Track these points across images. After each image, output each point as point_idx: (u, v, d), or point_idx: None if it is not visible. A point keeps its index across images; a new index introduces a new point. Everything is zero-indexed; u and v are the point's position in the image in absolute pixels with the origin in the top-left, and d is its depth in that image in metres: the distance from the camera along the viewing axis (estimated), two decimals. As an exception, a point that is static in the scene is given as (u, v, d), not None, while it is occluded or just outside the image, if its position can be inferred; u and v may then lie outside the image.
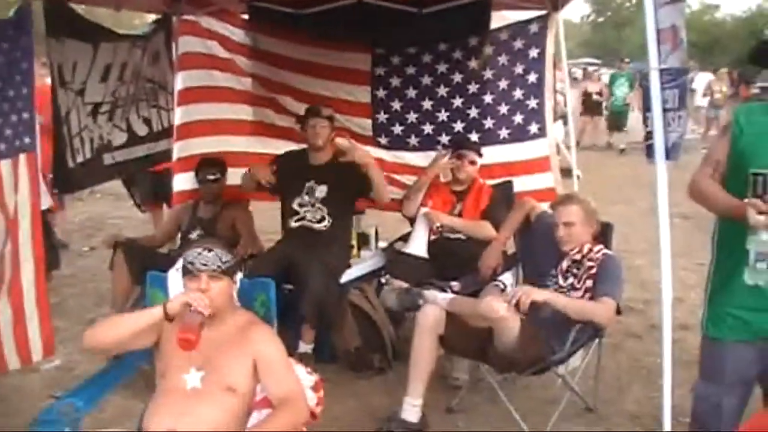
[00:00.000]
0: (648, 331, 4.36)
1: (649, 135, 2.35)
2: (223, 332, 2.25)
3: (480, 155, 4.11)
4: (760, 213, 2.02)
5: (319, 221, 3.95)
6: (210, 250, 2.19)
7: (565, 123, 10.73)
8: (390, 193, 4.56)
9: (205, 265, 2.17)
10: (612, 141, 13.28)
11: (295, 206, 3.98)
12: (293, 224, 3.96)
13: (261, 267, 3.57)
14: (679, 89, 2.25)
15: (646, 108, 2.29)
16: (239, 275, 2.38)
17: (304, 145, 4.20)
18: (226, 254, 2.22)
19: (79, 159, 4.08)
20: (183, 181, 4.57)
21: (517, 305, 2.84)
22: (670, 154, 2.26)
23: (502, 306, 2.83)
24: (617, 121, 13.16)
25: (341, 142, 4.00)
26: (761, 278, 2.13)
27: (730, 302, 2.29)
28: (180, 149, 4.59)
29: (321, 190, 3.98)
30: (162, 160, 4.92)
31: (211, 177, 4.29)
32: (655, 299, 4.72)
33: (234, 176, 4.49)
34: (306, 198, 3.98)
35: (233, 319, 2.28)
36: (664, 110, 2.23)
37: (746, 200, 2.06)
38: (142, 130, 4.73)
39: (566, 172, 4.73)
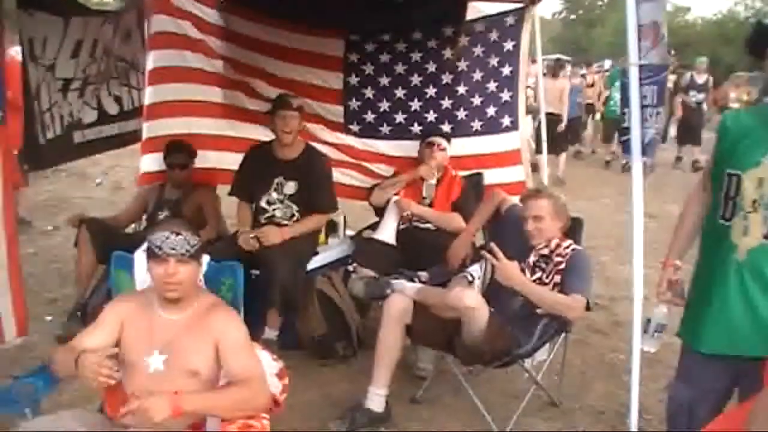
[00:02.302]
0: (612, 328, 4.38)
1: (625, 131, 2.31)
2: (187, 315, 2.21)
3: (449, 141, 4.13)
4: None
5: (290, 218, 3.89)
6: (178, 234, 2.13)
7: (534, 119, 10.85)
8: (357, 181, 4.56)
9: (173, 249, 2.12)
10: (597, 150, 11.74)
11: (263, 204, 3.91)
12: (262, 221, 3.90)
13: (227, 251, 3.50)
14: (658, 86, 2.22)
15: (624, 104, 2.26)
16: (206, 258, 2.35)
17: (269, 137, 4.14)
18: (194, 238, 2.17)
19: (49, 135, 4.01)
20: (150, 162, 4.48)
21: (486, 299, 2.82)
22: (646, 150, 2.23)
23: (471, 296, 2.82)
24: (612, 129, 10.52)
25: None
26: (654, 346, 2.34)
27: (708, 314, 2.21)
28: (149, 129, 4.49)
29: (290, 186, 3.90)
30: (132, 140, 4.80)
31: (179, 162, 4.22)
32: (620, 296, 4.82)
33: (202, 158, 4.43)
34: (274, 195, 3.90)
35: (198, 303, 2.24)
36: (642, 106, 2.19)
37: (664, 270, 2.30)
38: (112, 108, 4.63)
39: (534, 167, 4.72)
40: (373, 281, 3.47)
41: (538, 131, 5.69)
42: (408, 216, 3.97)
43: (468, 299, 2.79)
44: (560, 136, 9.25)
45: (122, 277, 2.63)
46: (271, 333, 3.61)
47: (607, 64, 14.85)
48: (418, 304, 3.09)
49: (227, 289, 2.54)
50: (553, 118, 9.70)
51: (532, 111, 10.51)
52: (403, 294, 3.15)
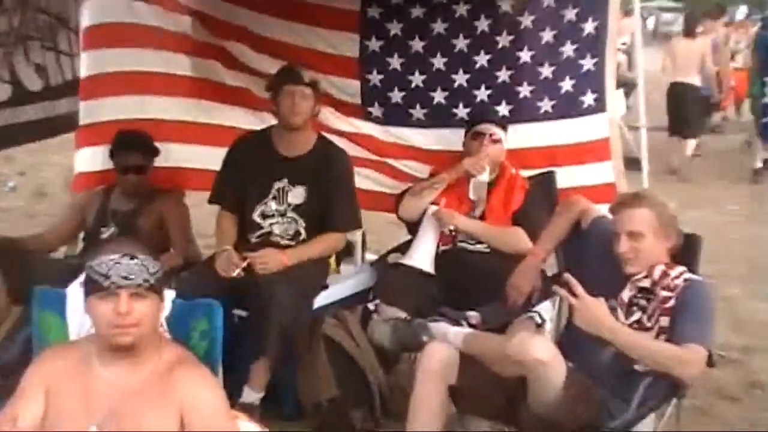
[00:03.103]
0: (747, 391, 4.32)
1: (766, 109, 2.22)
2: (142, 374, 2.22)
3: (505, 129, 4.15)
4: None
5: (293, 237, 3.93)
6: (132, 257, 2.15)
7: (627, 95, 10.72)
8: (379, 185, 4.62)
9: (126, 278, 2.14)
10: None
11: (256, 217, 3.95)
12: (254, 240, 3.94)
13: (201, 283, 3.58)
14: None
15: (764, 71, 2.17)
16: (169, 294, 2.42)
17: (266, 123, 4.15)
18: (154, 263, 2.20)
19: None
20: (90, 159, 4.54)
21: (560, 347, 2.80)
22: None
23: (541, 346, 2.78)
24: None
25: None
26: None
27: None
28: (87, 112, 4.54)
29: (297, 194, 3.93)
30: (63, 128, 4.83)
31: (134, 163, 4.21)
32: (757, 346, 4.78)
33: (164, 154, 4.46)
34: (273, 205, 3.93)
35: (157, 357, 2.25)
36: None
37: None
38: (34, 83, 4.64)
39: (631, 162, 4.63)
40: (403, 325, 3.45)
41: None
42: (451, 234, 3.97)
43: (536, 350, 2.75)
44: (693, 114, 9.43)
45: (49, 321, 2.65)
46: (252, 395, 3.59)
47: (741, 13, 14.51)
48: (465, 356, 3.07)
49: (200, 338, 2.56)
50: (683, 89, 9.78)
51: (626, 84, 10.46)
52: (446, 342, 3.14)
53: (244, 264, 3.67)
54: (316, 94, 3.95)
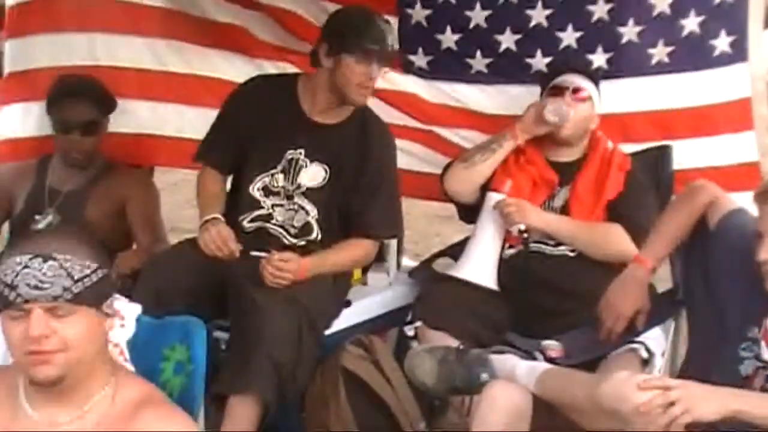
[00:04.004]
0: None
1: None
2: (90, 419, 2.22)
3: (597, 85, 4.13)
4: None
5: (302, 232, 4.00)
6: (48, 259, 2.12)
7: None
8: (424, 162, 4.65)
9: (37, 288, 2.10)
10: None
11: (255, 192, 4.02)
12: (247, 223, 4.01)
13: (173, 288, 3.67)
14: None
15: None
16: (135, 309, 2.41)
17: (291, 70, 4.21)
18: (83, 264, 2.16)
19: None
20: (17, 121, 4.62)
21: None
22: None
23: (647, 394, 2.71)
24: None
25: None
26: None
27: None
28: (15, 56, 4.62)
29: (312, 174, 4.00)
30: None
31: (80, 119, 4.22)
32: None
33: (123, 115, 4.53)
34: (280, 179, 4.00)
35: (112, 394, 2.26)
36: None
37: None
38: None
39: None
40: (453, 358, 3.38)
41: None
42: (521, 232, 3.97)
43: (640, 397, 2.70)
44: None
45: None
46: None
47: None
48: (540, 402, 3.06)
49: (175, 371, 2.58)
50: None
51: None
52: (513, 383, 3.13)
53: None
54: None
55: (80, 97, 4.24)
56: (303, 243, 3.93)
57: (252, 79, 4.21)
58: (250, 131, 4.01)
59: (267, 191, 3.97)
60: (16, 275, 2.10)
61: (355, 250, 3.97)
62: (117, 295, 2.36)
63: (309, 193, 3.95)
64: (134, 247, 4.23)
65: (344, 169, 3.94)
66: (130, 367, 2.39)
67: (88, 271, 2.15)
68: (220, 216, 3.84)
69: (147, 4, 4.66)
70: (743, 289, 3.07)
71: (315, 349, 3.77)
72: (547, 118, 3.99)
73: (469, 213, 4.18)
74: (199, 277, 3.71)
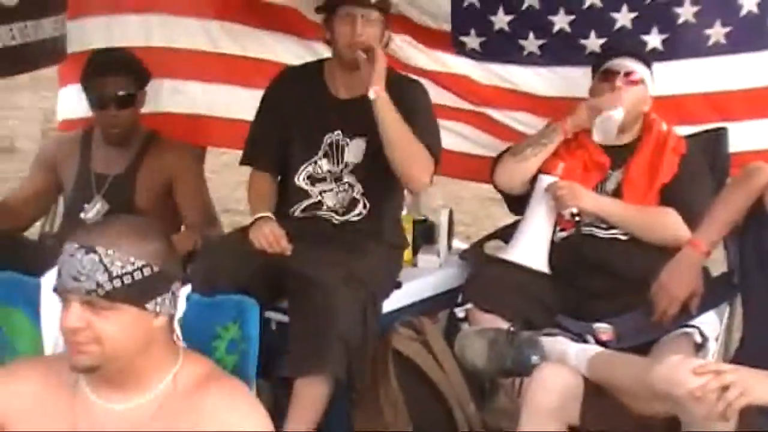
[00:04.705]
0: None
1: None
2: (148, 401, 2.21)
3: (650, 67, 4.09)
4: None
5: (348, 209, 4.01)
6: (90, 251, 2.09)
7: None
8: (476, 145, 4.63)
9: (76, 279, 2.08)
10: None
11: (301, 182, 4.04)
12: (298, 214, 4.05)
13: (224, 272, 3.62)
14: None
15: None
16: (185, 290, 2.36)
17: (305, 58, 4.23)
18: (127, 260, 2.12)
19: None
20: (78, 101, 4.57)
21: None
22: None
23: (702, 378, 2.67)
24: None
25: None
26: None
27: None
28: (77, 37, 4.59)
29: (355, 149, 4.00)
30: (43, 58, 4.79)
31: (114, 93, 4.18)
32: None
33: (173, 94, 4.62)
34: (324, 164, 4.02)
35: (163, 380, 2.24)
36: None
37: None
38: None
39: None
40: (504, 340, 3.39)
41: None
42: (573, 216, 3.95)
43: (694, 381, 2.66)
44: None
45: (17, 322, 2.66)
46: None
47: None
48: (592, 386, 3.03)
49: (228, 349, 2.57)
50: None
51: None
52: (565, 366, 3.12)
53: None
54: (386, 18, 3.97)
55: (113, 72, 4.20)
56: (353, 219, 3.96)
57: (280, 75, 4.21)
58: (287, 126, 4.02)
59: (313, 179, 3.99)
60: (62, 263, 2.10)
61: (418, 142, 3.88)
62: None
63: (356, 170, 3.95)
64: (183, 228, 4.23)
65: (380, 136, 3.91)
66: (183, 345, 2.36)
67: (130, 268, 2.10)
68: (271, 215, 3.85)
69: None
70: None
71: (377, 327, 3.78)
72: (594, 136, 4.00)
73: (519, 204, 4.16)
74: (252, 261, 3.69)
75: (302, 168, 3.99)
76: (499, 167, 4.19)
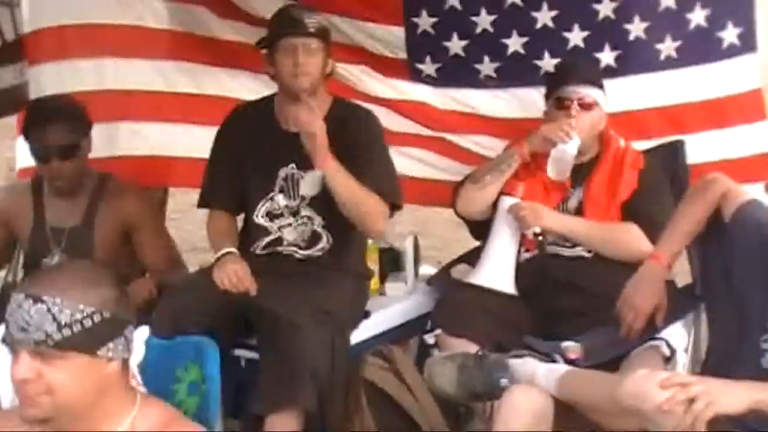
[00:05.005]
0: None
1: None
2: None
3: (603, 89, 4.10)
4: None
5: (310, 243, 4.01)
6: (38, 301, 2.06)
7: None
8: (437, 170, 4.67)
9: (23, 330, 2.05)
10: None
11: (260, 219, 4.04)
12: (260, 251, 4.04)
13: (189, 313, 3.62)
14: None
15: None
16: (141, 333, 2.36)
17: (262, 93, 4.20)
18: (75, 308, 2.08)
19: None
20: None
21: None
22: None
23: (668, 391, 2.69)
24: None
25: None
26: None
27: None
28: (37, 82, 4.60)
29: (311, 181, 3.98)
30: (10, 108, 4.83)
31: (55, 145, 4.03)
32: None
33: (132, 136, 4.63)
34: (280, 200, 4.01)
35: (119, 426, 2.21)
36: None
37: None
38: None
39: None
40: (473, 363, 3.37)
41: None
42: (537, 235, 3.96)
43: (661, 395, 2.67)
44: None
45: None
46: None
47: None
48: (562, 404, 3.04)
49: (189, 391, 2.55)
50: None
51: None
52: (534, 386, 3.11)
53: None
54: (327, 46, 3.97)
55: (52, 122, 4.04)
56: (316, 253, 3.96)
57: (231, 113, 4.19)
58: (242, 163, 4.02)
59: (271, 215, 3.98)
60: (10, 314, 2.07)
61: (371, 195, 3.86)
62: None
63: (314, 203, 3.94)
64: (145, 276, 4.18)
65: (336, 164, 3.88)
66: (142, 390, 2.34)
67: (79, 316, 2.07)
68: (234, 250, 3.85)
69: (153, 27, 4.69)
70: (762, 280, 3.05)
71: (346, 358, 3.77)
72: (549, 173, 3.99)
73: (481, 229, 4.18)
74: (216, 301, 3.69)
75: (260, 205, 3.98)
76: (459, 195, 4.20)
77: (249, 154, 4.00)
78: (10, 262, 4.45)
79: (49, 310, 2.04)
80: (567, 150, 3.92)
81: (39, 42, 4.59)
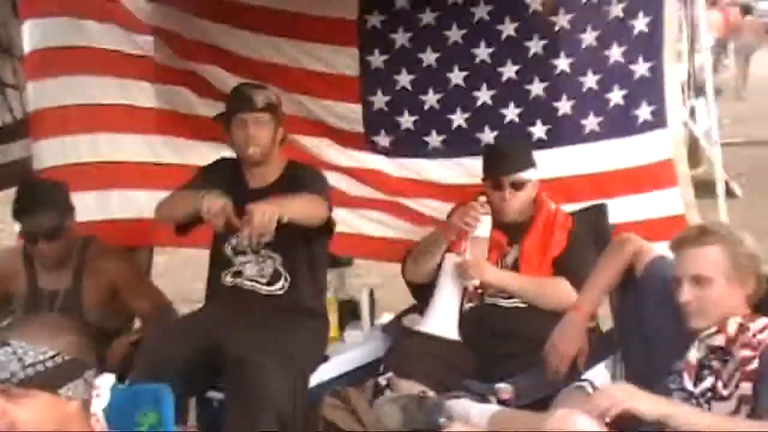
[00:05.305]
0: None
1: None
2: None
3: (532, 166, 4.05)
4: None
5: (270, 281, 3.95)
6: (4, 345, 2.05)
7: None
8: (392, 229, 4.65)
9: None
10: None
11: (227, 252, 4.01)
12: (226, 280, 4.01)
13: (165, 362, 3.58)
14: None
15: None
16: (107, 380, 2.27)
17: None
18: (41, 349, 2.06)
19: None
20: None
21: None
22: None
23: (587, 424, 2.65)
24: None
25: None
26: None
27: None
28: (43, 155, 4.56)
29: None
30: (17, 177, 4.72)
31: (40, 229, 3.96)
32: None
33: (125, 202, 4.59)
34: (245, 241, 3.93)
35: None
36: None
37: None
38: None
39: (709, 187, 4.51)
40: (414, 405, 3.36)
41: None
42: (476, 288, 3.92)
43: (582, 426, 2.64)
44: None
45: None
46: None
47: None
48: (493, 442, 2.99)
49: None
50: None
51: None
52: (468, 425, 3.04)
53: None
54: (276, 118, 3.93)
55: (37, 208, 3.99)
56: (278, 292, 3.92)
57: (215, 162, 4.20)
58: None
59: (236, 251, 3.96)
60: None
61: (305, 198, 3.79)
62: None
63: (269, 245, 3.89)
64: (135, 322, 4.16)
65: None
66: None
67: (41, 357, 2.05)
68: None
69: (141, 105, 4.67)
70: (669, 328, 3.03)
71: (307, 398, 3.72)
72: (467, 256, 3.94)
73: (419, 291, 4.17)
74: (190, 349, 3.66)
75: (229, 238, 3.94)
76: (406, 267, 4.22)
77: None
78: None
79: (14, 352, 2.03)
80: (478, 234, 3.89)
81: (41, 120, 4.56)
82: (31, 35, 4.49)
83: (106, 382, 2.25)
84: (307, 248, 3.96)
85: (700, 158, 8.32)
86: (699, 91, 9.96)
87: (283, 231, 3.73)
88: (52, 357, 2.06)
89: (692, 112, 8.96)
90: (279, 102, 3.99)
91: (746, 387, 2.79)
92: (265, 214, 3.51)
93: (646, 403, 2.69)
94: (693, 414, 2.76)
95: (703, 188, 4.57)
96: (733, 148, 8.81)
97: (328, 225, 3.93)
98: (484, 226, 3.88)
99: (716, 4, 20.47)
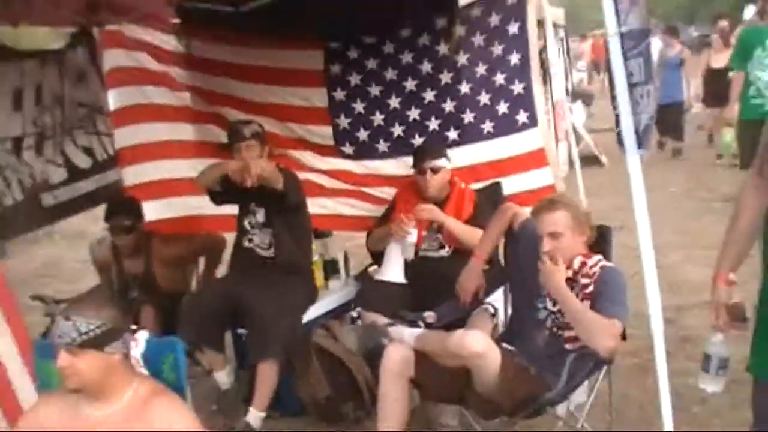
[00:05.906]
0: (679, 345, 4.14)
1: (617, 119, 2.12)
2: (119, 408, 2.14)
3: (447, 158, 4.00)
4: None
5: (268, 247, 3.93)
6: (67, 319, 2.06)
7: (587, 104, 10.60)
8: (361, 210, 4.58)
9: (60, 337, 2.05)
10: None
11: (246, 224, 3.99)
12: (245, 244, 3.98)
13: (200, 307, 3.68)
14: (643, 57, 2.01)
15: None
16: (143, 335, 2.29)
17: None
18: (89, 322, 2.07)
19: (8, 202, 4.10)
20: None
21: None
22: (642, 141, 2.02)
23: (476, 339, 2.72)
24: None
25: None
26: (718, 385, 2.31)
27: None
28: (133, 175, 4.49)
29: (261, 214, 3.93)
30: (115, 194, 4.72)
31: (120, 225, 4.05)
32: (690, 304, 4.65)
33: (181, 206, 4.49)
34: (253, 218, 3.95)
35: (132, 392, 2.17)
36: (631, 86, 1.99)
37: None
38: (83, 161, 4.66)
39: (590, 159, 4.47)
40: (365, 332, 3.40)
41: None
42: (414, 244, 3.87)
43: (472, 344, 2.69)
44: None
45: (50, 370, 2.49)
46: (256, 415, 3.58)
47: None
48: (419, 353, 2.96)
49: (169, 370, 2.46)
50: None
51: (584, 95, 10.28)
52: (402, 344, 3.04)
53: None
54: (262, 141, 3.85)
55: (117, 213, 4.07)
56: (270, 255, 3.91)
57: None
58: (235, 189, 3.82)
59: (250, 224, 3.95)
60: (53, 329, 2.09)
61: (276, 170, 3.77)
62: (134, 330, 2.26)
63: (263, 225, 3.90)
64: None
65: (271, 205, 3.83)
66: (145, 371, 2.30)
67: (92, 327, 2.07)
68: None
69: (185, 139, 4.62)
70: (536, 268, 2.97)
71: (303, 330, 3.74)
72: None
73: (378, 257, 4.09)
74: (219, 301, 3.71)
75: (245, 217, 3.95)
76: (368, 243, 4.19)
77: (239, 188, 3.76)
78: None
79: (74, 324, 2.05)
80: (408, 239, 3.85)
81: (124, 155, 4.49)
82: (113, 99, 4.43)
83: (142, 336, 2.26)
84: (288, 230, 3.88)
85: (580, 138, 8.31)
86: (576, 96, 9.97)
87: (271, 219, 3.81)
88: (99, 326, 2.07)
89: (571, 111, 8.97)
90: (262, 130, 3.91)
91: (586, 304, 2.82)
92: (257, 166, 3.57)
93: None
94: (571, 300, 2.83)
95: (584, 160, 4.50)
96: (603, 133, 8.79)
97: (289, 200, 3.80)
98: (411, 237, 3.84)
99: (585, 37, 20.21)
